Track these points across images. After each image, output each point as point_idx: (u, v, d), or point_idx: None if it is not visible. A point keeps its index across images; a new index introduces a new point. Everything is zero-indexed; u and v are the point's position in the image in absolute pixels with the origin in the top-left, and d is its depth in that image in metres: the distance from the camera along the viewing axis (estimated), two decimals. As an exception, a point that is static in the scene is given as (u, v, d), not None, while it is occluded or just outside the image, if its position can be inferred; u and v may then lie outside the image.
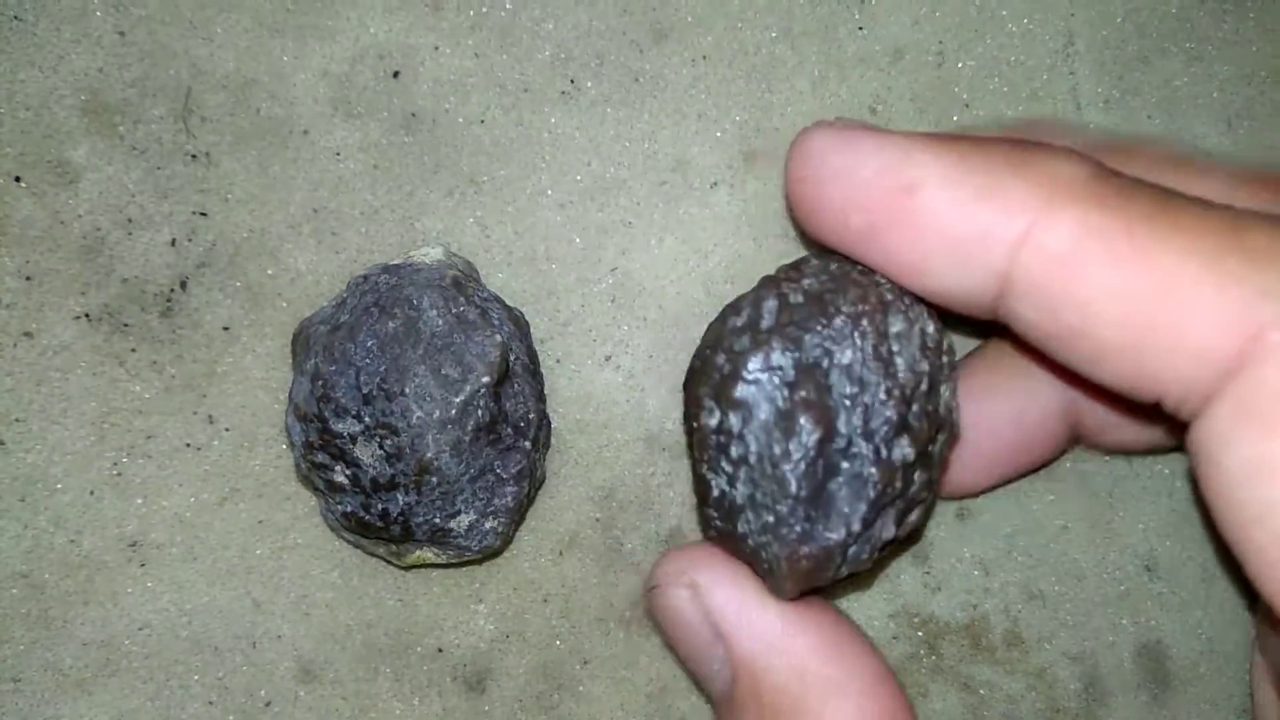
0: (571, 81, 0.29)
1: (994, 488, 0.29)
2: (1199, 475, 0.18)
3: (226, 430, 0.28)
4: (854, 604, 0.30)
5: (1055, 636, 0.30)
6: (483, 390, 0.25)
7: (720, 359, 0.22)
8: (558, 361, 0.29)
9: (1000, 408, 0.27)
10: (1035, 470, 0.29)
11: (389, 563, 0.28)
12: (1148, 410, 0.19)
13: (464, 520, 0.25)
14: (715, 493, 0.22)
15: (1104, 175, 0.19)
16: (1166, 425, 0.19)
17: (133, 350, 0.28)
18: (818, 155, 0.21)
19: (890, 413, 0.21)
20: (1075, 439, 0.28)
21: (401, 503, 0.25)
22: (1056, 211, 0.18)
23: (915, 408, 0.21)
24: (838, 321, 0.21)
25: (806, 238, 0.27)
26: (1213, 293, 0.17)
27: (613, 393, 0.29)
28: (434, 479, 0.25)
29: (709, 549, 0.24)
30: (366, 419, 0.25)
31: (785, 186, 0.23)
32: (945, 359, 0.22)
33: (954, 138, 0.20)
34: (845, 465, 0.21)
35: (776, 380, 0.21)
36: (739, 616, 0.23)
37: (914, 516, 0.23)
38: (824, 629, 0.22)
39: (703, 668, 0.24)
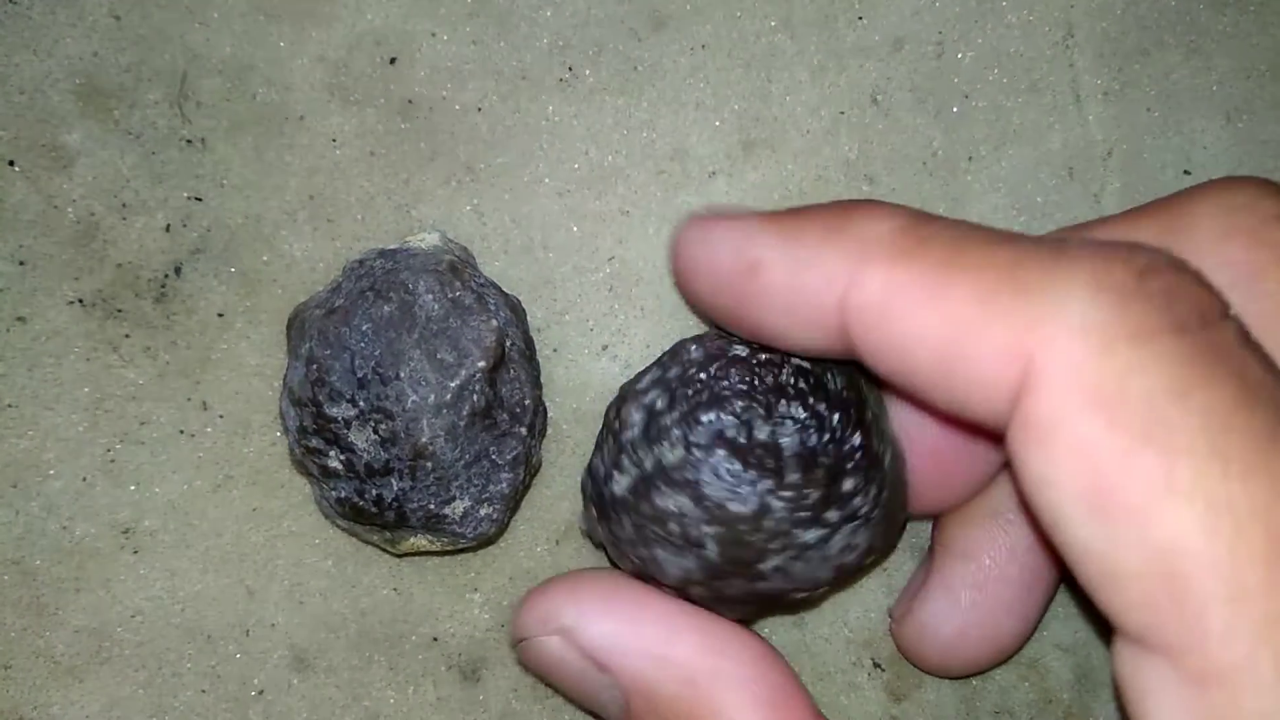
0: (570, 69, 0.29)
1: (977, 491, 0.28)
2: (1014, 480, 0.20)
3: (220, 417, 0.28)
4: (849, 596, 0.30)
5: (1047, 627, 0.30)
6: (478, 375, 0.24)
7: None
8: (554, 351, 0.29)
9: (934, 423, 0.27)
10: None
11: (383, 550, 0.28)
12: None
13: (459, 507, 0.25)
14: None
15: (907, 227, 0.21)
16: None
17: (126, 336, 0.28)
18: (686, 252, 0.24)
19: None
20: None
21: (396, 488, 0.25)
22: (866, 271, 0.20)
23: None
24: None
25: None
26: (987, 330, 0.19)
27: (610, 382, 0.29)
28: (429, 464, 0.25)
29: (567, 582, 0.25)
30: (361, 403, 0.24)
31: (672, 276, 0.26)
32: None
33: (791, 213, 0.22)
34: None
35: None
36: (618, 643, 0.23)
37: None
38: (703, 628, 0.24)
39: (595, 700, 0.24)
